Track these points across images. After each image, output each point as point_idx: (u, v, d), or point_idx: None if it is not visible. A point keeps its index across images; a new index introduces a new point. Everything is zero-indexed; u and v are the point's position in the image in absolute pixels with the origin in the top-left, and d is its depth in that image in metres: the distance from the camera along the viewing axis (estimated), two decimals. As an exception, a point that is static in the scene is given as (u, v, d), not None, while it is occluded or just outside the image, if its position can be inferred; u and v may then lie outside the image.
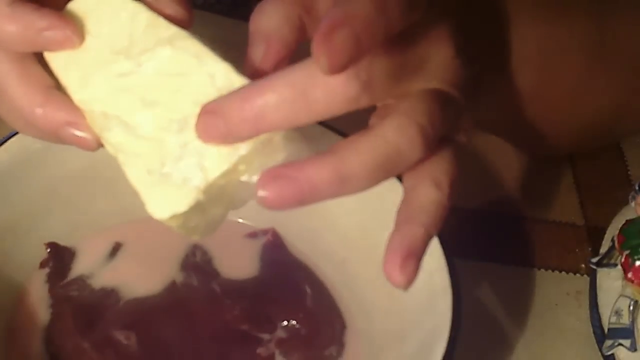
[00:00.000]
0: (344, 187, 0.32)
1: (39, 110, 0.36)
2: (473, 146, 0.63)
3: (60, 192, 0.49)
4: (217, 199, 0.35)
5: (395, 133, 0.33)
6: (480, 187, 0.61)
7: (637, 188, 0.52)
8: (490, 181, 0.62)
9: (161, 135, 0.35)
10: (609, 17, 0.53)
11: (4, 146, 0.46)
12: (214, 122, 0.33)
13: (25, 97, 0.36)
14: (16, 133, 0.46)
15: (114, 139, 0.35)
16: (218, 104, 0.34)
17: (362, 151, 0.32)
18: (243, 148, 0.34)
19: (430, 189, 0.34)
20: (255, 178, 0.35)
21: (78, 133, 0.36)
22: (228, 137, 0.33)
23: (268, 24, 0.37)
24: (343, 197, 0.33)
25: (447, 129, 0.35)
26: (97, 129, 0.36)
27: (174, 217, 0.34)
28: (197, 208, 0.35)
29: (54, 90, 0.37)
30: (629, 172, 0.63)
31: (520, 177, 0.62)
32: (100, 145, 0.36)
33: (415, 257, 0.33)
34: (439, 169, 0.35)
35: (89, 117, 0.36)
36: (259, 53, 0.37)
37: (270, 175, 0.32)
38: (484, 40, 0.44)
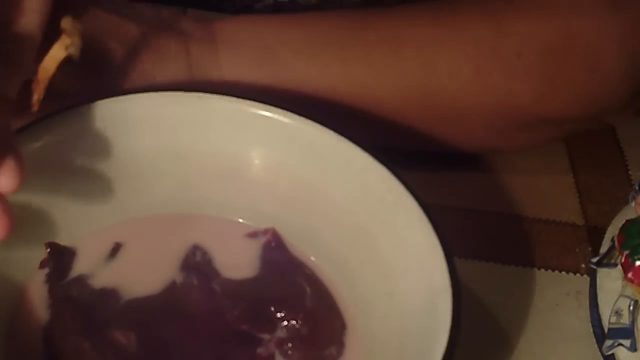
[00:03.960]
0: None
1: None
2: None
3: (60, 192, 0.49)
4: None
5: None
6: (481, 187, 0.61)
7: (637, 188, 0.52)
8: (490, 181, 0.62)
9: None
10: None
11: (4, 146, 0.46)
12: None
13: None
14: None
15: None
16: None
17: None
18: None
19: None
20: None
21: None
22: None
23: None
24: None
25: None
26: None
27: None
28: None
29: None
30: (629, 172, 0.63)
31: (520, 177, 0.62)
32: None
33: None
34: None
35: None
36: None
37: None
38: None
